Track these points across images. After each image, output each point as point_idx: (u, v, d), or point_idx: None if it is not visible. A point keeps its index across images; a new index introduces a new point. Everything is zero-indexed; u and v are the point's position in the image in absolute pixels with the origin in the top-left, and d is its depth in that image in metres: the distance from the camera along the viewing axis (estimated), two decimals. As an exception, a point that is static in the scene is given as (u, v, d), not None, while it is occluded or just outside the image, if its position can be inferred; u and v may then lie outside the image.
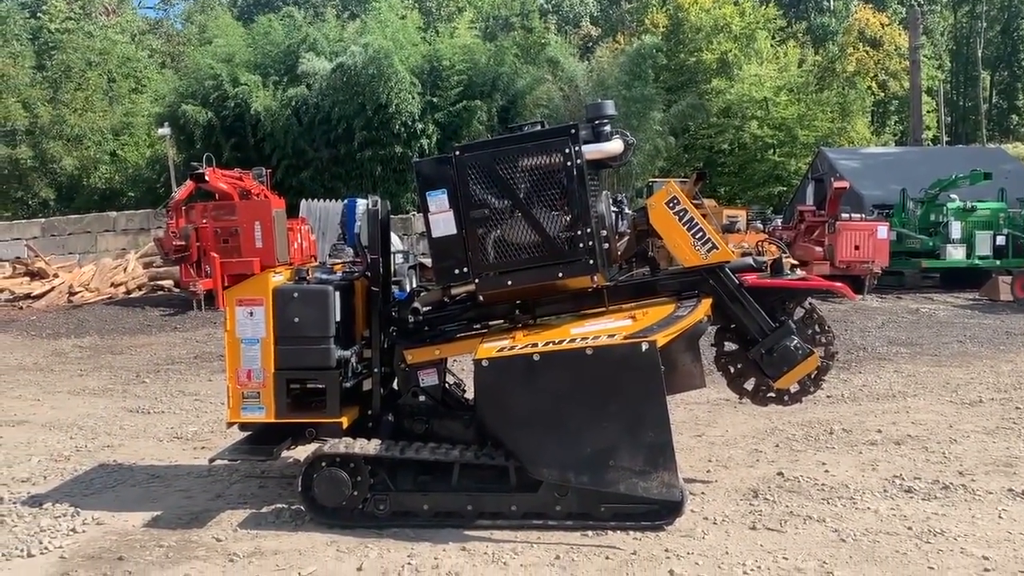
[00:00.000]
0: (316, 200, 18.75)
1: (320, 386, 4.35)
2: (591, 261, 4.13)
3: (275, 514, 4.41)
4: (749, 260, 4.68)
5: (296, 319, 4.25)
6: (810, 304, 4.57)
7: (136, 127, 25.63)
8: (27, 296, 15.81)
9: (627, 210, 4.74)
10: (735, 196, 30.63)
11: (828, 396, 6.85)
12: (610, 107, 4.42)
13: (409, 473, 4.21)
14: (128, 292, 16.47)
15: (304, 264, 4.81)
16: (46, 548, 4.01)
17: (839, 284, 5.17)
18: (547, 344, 4.00)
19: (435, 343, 4.48)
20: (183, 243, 14.34)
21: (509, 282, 4.22)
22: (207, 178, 14.69)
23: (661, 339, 3.88)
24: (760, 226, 17.74)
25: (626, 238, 4.76)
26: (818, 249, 14.93)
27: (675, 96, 28.21)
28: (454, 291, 4.49)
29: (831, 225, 14.97)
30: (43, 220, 20.45)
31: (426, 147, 20.83)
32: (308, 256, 16.54)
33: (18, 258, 17.88)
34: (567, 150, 4.13)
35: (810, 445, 5.44)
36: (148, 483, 5.05)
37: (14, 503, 4.68)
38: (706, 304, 4.27)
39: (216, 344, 10.91)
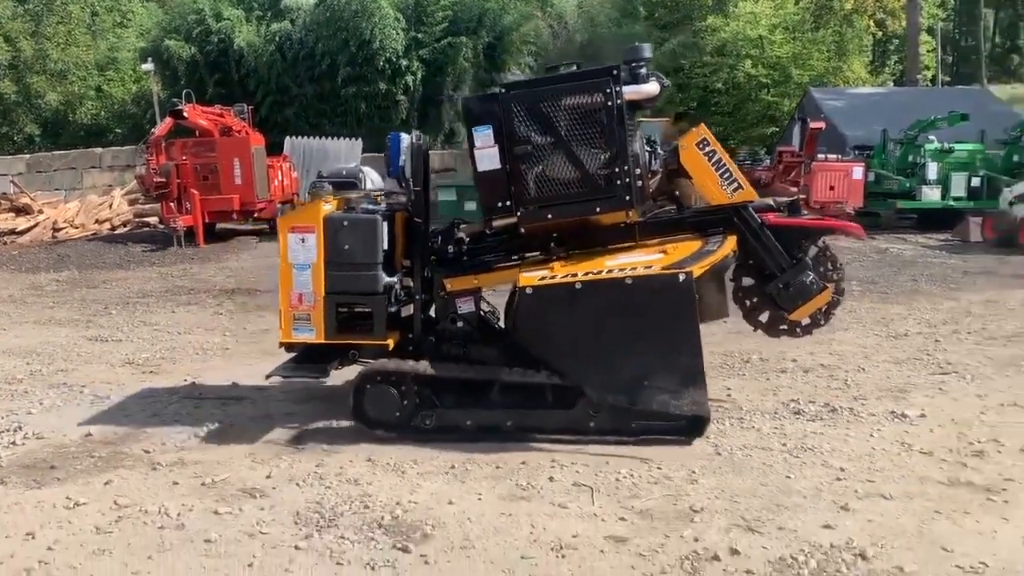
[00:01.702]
0: (300, 137, 18.83)
1: (367, 310, 4.58)
2: (627, 197, 4.32)
3: (204, 430, 4.72)
4: (769, 201, 4.99)
5: (346, 246, 4.46)
6: (823, 243, 4.79)
7: (121, 62, 25.41)
8: (11, 232, 15.99)
9: (659, 150, 4.93)
10: (728, 136, 30.44)
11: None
12: (647, 50, 4.60)
13: (452, 392, 4.48)
14: (113, 228, 16.67)
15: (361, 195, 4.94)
16: (-15, 459, 4.32)
17: (853, 224, 5.36)
18: (586, 274, 4.24)
19: (473, 272, 4.71)
20: (163, 180, 14.49)
21: (549, 216, 4.41)
22: (186, 115, 14.78)
23: (697, 270, 4.15)
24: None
25: (658, 176, 4.96)
26: (793, 189, 15.03)
27: (668, 34, 27.91)
28: (495, 223, 4.64)
29: (807, 166, 15.07)
30: (28, 156, 20.56)
31: (410, 84, 20.79)
32: (290, 194, 16.67)
33: (4, 194, 17.96)
34: (608, 90, 4.28)
35: (722, 372, 5.71)
36: (92, 404, 5.35)
37: (-38, 419, 4.98)
38: (732, 240, 4.51)
39: (189, 279, 11.18)
